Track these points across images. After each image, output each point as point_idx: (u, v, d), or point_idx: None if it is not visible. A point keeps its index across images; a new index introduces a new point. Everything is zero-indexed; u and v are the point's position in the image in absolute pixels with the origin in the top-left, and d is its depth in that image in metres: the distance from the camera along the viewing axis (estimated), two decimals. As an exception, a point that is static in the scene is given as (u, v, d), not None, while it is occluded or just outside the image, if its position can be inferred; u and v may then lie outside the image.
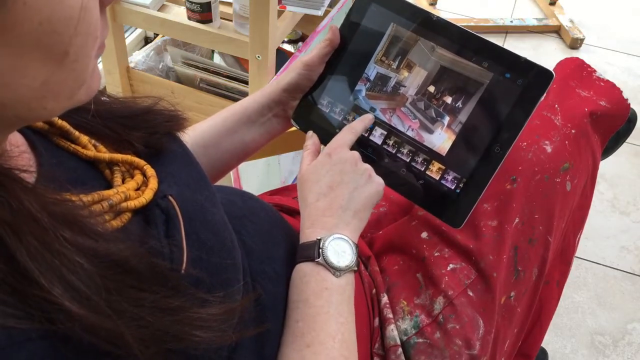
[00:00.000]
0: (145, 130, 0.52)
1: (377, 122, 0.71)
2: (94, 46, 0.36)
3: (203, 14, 1.36)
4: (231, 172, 1.13)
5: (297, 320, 0.55)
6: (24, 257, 0.33)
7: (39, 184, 0.39)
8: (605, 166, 1.54)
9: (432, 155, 0.68)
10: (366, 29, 0.72)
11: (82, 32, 0.34)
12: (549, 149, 0.76)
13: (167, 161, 0.53)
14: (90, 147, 0.49)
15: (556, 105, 0.82)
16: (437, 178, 0.68)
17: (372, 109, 0.71)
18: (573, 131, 0.80)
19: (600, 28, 2.49)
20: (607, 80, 0.90)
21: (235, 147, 0.75)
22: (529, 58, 0.64)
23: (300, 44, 1.83)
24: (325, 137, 0.71)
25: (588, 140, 0.83)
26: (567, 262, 0.88)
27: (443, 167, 0.68)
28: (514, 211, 0.73)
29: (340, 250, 0.58)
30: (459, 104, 0.67)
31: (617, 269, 1.52)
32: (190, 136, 0.67)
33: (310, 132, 0.72)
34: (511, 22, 2.40)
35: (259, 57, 1.35)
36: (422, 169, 0.69)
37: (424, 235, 0.76)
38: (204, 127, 0.74)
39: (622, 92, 0.89)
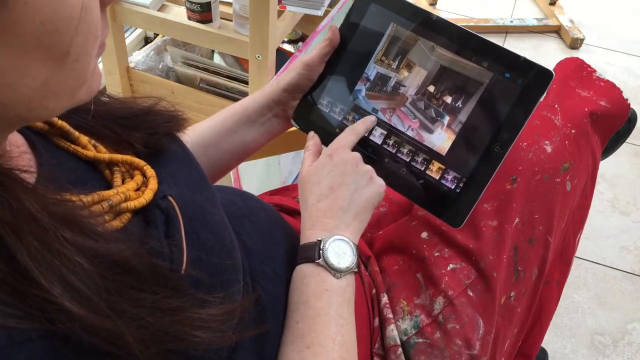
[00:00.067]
0: (145, 130, 0.52)
1: (377, 122, 0.71)
2: (94, 46, 0.36)
3: (203, 14, 1.36)
4: (231, 172, 1.13)
5: (297, 321, 0.55)
6: (24, 257, 0.33)
7: (39, 184, 0.39)
8: (605, 166, 1.54)
9: (432, 155, 0.68)
10: (366, 29, 0.72)
11: (83, 31, 0.34)
12: (549, 149, 0.76)
13: (167, 162, 0.53)
14: (90, 148, 0.49)
15: (556, 105, 0.82)
16: (437, 178, 0.68)
17: (375, 110, 0.71)
18: (573, 131, 0.80)
19: (600, 28, 2.49)
20: (607, 80, 0.90)
21: (235, 147, 0.75)
22: (528, 58, 0.64)
23: (300, 44, 1.84)
24: (326, 137, 0.71)
25: (588, 140, 0.83)
26: (567, 262, 0.88)
27: (443, 167, 0.68)
28: (514, 211, 0.73)
29: (341, 252, 0.58)
30: (459, 103, 0.67)
31: (617, 269, 1.52)
32: (190, 136, 0.67)
33: (312, 133, 0.72)
34: (511, 22, 2.40)
35: (259, 57, 1.35)
36: (422, 169, 0.69)
37: (424, 235, 0.76)
38: (203, 127, 0.74)
39: (622, 92, 0.89)
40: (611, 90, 0.89)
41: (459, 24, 0.67)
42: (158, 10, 1.44)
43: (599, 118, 0.84)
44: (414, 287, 0.73)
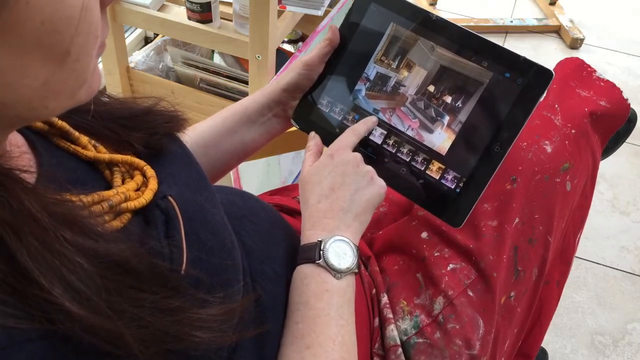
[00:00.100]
0: (145, 131, 0.52)
1: (377, 122, 0.71)
2: (94, 45, 0.36)
3: (203, 14, 1.37)
4: (231, 172, 1.13)
5: (297, 321, 0.55)
6: (24, 257, 0.33)
7: (40, 185, 0.39)
8: (605, 166, 1.54)
9: (432, 154, 0.68)
10: (366, 29, 0.72)
11: (83, 31, 0.34)
12: (549, 149, 0.76)
13: (167, 162, 0.53)
14: (90, 148, 0.49)
15: (556, 105, 0.82)
16: (437, 177, 0.68)
17: (375, 110, 0.71)
18: (573, 131, 0.80)
19: (600, 28, 2.49)
20: (607, 80, 0.90)
21: (235, 147, 0.75)
22: (528, 57, 0.64)
23: (300, 44, 1.84)
24: (326, 137, 0.71)
25: (588, 140, 0.83)
26: (567, 262, 0.88)
27: (443, 167, 0.68)
28: (514, 211, 0.73)
29: (341, 252, 0.58)
30: (459, 103, 0.67)
31: (617, 269, 1.52)
32: (190, 136, 0.67)
33: (313, 133, 0.72)
34: (511, 22, 2.40)
35: (259, 57, 1.35)
36: (422, 169, 0.69)
37: (424, 235, 0.76)
38: (203, 127, 0.74)
39: (622, 92, 0.89)
40: (611, 90, 0.89)
41: (458, 24, 0.67)
42: (158, 10, 1.44)
43: (599, 118, 0.84)
44: (414, 287, 0.73)
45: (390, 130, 0.70)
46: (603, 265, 1.52)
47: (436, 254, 0.73)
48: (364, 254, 0.77)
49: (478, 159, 0.66)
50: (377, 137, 0.71)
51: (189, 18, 1.39)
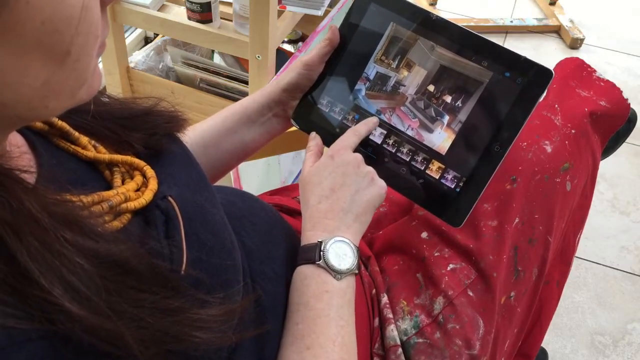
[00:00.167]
0: (145, 131, 0.52)
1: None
2: (95, 45, 0.36)
3: (203, 14, 1.36)
4: (231, 172, 1.13)
5: (297, 322, 0.55)
6: (24, 258, 0.33)
7: (40, 185, 0.39)
8: (605, 166, 1.54)
9: (431, 154, 0.68)
10: (366, 29, 0.72)
11: (84, 31, 0.34)
12: (549, 149, 0.76)
13: (167, 162, 0.53)
14: (90, 148, 0.49)
15: (556, 105, 0.82)
16: (437, 177, 0.68)
17: (378, 112, 0.71)
18: (573, 131, 0.80)
19: (600, 28, 2.49)
20: (607, 80, 0.90)
21: (235, 147, 0.75)
22: (528, 57, 0.64)
23: (300, 44, 1.84)
24: (326, 136, 0.71)
25: (588, 140, 0.83)
26: (567, 262, 0.88)
27: (443, 166, 0.68)
28: (514, 211, 0.73)
29: (342, 253, 0.58)
30: (459, 103, 0.67)
31: (617, 269, 1.52)
32: (190, 136, 0.67)
33: (314, 134, 0.72)
34: (511, 22, 2.40)
35: (259, 57, 1.35)
36: (422, 168, 0.69)
37: (424, 235, 0.76)
38: (203, 127, 0.74)
39: (622, 92, 0.89)
40: (611, 90, 0.89)
41: (458, 24, 0.67)
42: (158, 10, 1.44)
43: (599, 118, 0.84)
44: (414, 287, 0.73)
45: (390, 130, 0.70)
46: (603, 265, 1.52)
47: (436, 254, 0.73)
48: (364, 254, 0.77)
49: (478, 159, 0.66)
50: (377, 136, 0.71)
51: (189, 18, 1.39)
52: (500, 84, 0.65)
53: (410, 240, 0.76)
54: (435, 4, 2.53)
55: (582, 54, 2.33)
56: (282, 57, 1.55)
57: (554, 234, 0.76)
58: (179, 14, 1.43)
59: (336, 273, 0.57)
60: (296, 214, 0.79)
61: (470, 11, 2.55)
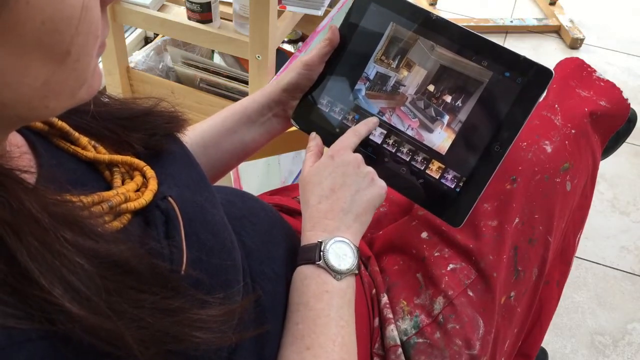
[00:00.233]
0: (144, 131, 0.52)
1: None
2: (95, 45, 0.36)
3: (203, 14, 1.36)
4: (231, 172, 1.13)
5: (297, 322, 0.55)
6: (24, 258, 0.33)
7: (40, 185, 0.39)
8: (605, 166, 1.54)
9: (431, 154, 0.68)
10: (366, 29, 0.72)
11: (84, 31, 0.34)
12: (549, 149, 0.76)
13: (167, 162, 0.53)
14: (90, 149, 0.49)
15: (556, 105, 0.82)
16: (437, 177, 0.68)
17: (380, 113, 0.71)
18: (573, 131, 0.80)
19: (600, 28, 2.49)
20: (607, 80, 0.90)
21: (235, 147, 0.75)
22: (528, 57, 0.64)
23: (300, 44, 1.84)
24: (326, 136, 0.71)
25: (588, 140, 0.83)
26: (567, 262, 0.88)
27: (443, 166, 0.68)
28: (514, 211, 0.73)
29: (342, 254, 0.58)
30: (459, 102, 0.67)
31: (617, 269, 1.52)
32: (189, 136, 0.67)
33: (314, 134, 0.72)
34: (511, 22, 2.40)
35: (259, 57, 1.35)
36: (422, 168, 0.69)
37: (424, 235, 0.76)
38: (203, 127, 0.74)
39: (622, 92, 0.89)
40: (611, 90, 0.89)
41: (458, 24, 0.67)
42: (158, 10, 1.44)
43: (599, 118, 0.84)
44: (414, 287, 0.73)
45: (390, 130, 0.70)
46: (603, 265, 1.52)
47: (436, 254, 0.73)
48: (364, 254, 0.77)
49: (478, 159, 0.66)
50: (377, 136, 0.71)
51: (189, 18, 1.39)
52: (500, 84, 0.65)
53: (410, 240, 0.76)
54: (435, 4, 2.53)
55: (582, 54, 2.34)
56: (282, 57, 1.55)
57: (554, 234, 0.76)
58: (179, 14, 1.43)
59: (336, 273, 0.57)
60: (296, 214, 0.79)
61: (470, 11, 2.55)
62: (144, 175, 0.49)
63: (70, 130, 0.48)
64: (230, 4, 1.41)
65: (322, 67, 0.73)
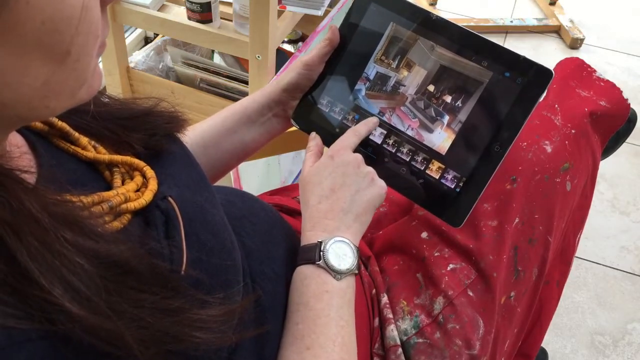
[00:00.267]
0: (144, 131, 0.52)
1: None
2: (95, 45, 0.36)
3: (203, 14, 1.36)
4: (231, 172, 1.13)
5: (297, 322, 0.55)
6: (24, 258, 0.33)
7: (40, 185, 0.39)
8: (605, 166, 1.54)
9: (431, 154, 0.68)
10: (366, 29, 0.72)
11: (84, 31, 0.34)
12: (549, 149, 0.76)
13: (167, 162, 0.53)
14: (90, 149, 0.49)
15: (556, 105, 0.82)
16: (437, 177, 0.68)
17: (380, 113, 0.71)
18: (573, 131, 0.80)
19: (600, 28, 2.49)
20: (607, 80, 0.90)
21: (235, 147, 0.75)
22: (528, 57, 0.64)
23: (300, 44, 1.84)
24: (326, 136, 0.71)
25: (588, 140, 0.83)
26: (567, 262, 0.88)
27: (443, 166, 0.68)
28: (514, 211, 0.73)
29: (342, 254, 0.58)
30: (459, 102, 0.67)
31: (617, 269, 1.52)
32: (189, 136, 0.67)
33: (314, 134, 0.72)
34: (511, 22, 2.40)
35: (259, 57, 1.35)
36: (422, 168, 0.69)
37: (424, 235, 0.76)
38: (203, 127, 0.74)
39: (622, 92, 0.89)
40: (611, 90, 0.89)
41: (458, 24, 0.67)
42: (158, 10, 1.44)
43: (599, 118, 0.84)
44: (414, 287, 0.73)
45: (390, 130, 0.70)
46: (603, 265, 1.52)
47: (436, 254, 0.73)
48: (364, 254, 0.77)
49: (478, 159, 0.66)
50: (377, 136, 0.71)
51: (189, 18, 1.39)
52: (500, 84, 0.65)
53: (410, 240, 0.76)
54: (435, 4, 2.53)
55: (582, 54, 2.34)
56: (282, 57, 1.55)
57: (554, 234, 0.76)
58: (179, 14, 1.43)
59: (336, 273, 0.57)
60: (296, 214, 0.79)
61: (470, 11, 2.55)
62: (144, 176, 0.49)
63: (70, 130, 0.48)
64: (230, 4, 1.41)
65: (322, 67, 0.73)
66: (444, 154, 0.68)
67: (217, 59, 1.68)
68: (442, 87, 0.68)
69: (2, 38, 0.31)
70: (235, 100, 1.50)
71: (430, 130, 0.69)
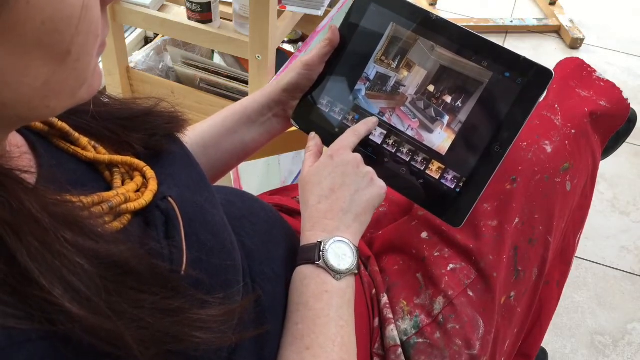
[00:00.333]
0: (144, 132, 0.52)
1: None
2: (95, 45, 0.36)
3: (203, 14, 1.36)
4: (231, 172, 1.13)
5: (297, 322, 0.55)
6: (24, 258, 0.33)
7: (40, 185, 0.39)
8: (605, 166, 1.54)
9: (431, 154, 0.68)
10: (366, 29, 0.72)
11: (84, 31, 0.34)
12: (549, 149, 0.76)
13: (167, 163, 0.53)
14: (90, 149, 0.49)
15: (556, 105, 0.82)
16: (437, 177, 0.68)
17: (380, 113, 0.71)
18: (573, 131, 0.80)
19: (600, 28, 2.49)
20: (607, 80, 0.90)
21: (235, 147, 0.75)
22: (528, 57, 0.64)
23: (300, 44, 1.84)
24: (326, 137, 0.71)
25: (588, 140, 0.83)
26: (567, 262, 0.88)
27: (443, 167, 0.68)
28: (514, 211, 0.73)
29: (341, 253, 0.58)
30: (459, 103, 0.67)
31: (617, 269, 1.52)
32: (189, 136, 0.67)
33: (313, 134, 0.72)
34: (511, 22, 2.40)
35: (259, 57, 1.35)
36: (422, 168, 0.69)
37: (424, 235, 0.76)
38: (203, 127, 0.74)
39: (622, 92, 0.89)
40: (611, 90, 0.89)
41: (458, 24, 0.67)
42: (158, 10, 1.44)
43: (599, 118, 0.84)
44: (414, 287, 0.73)
45: (390, 130, 0.70)
46: (603, 265, 1.52)
47: (436, 254, 0.73)
48: (363, 254, 0.77)
49: (478, 159, 0.66)
50: (377, 137, 0.71)
51: (189, 18, 1.39)
52: (500, 84, 0.65)
53: (410, 240, 0.76)
54: (435, 4, 2.53)
55: (582, 54, 2.34)
56: (282, 57, 1.55)
57: (554, 234, 0.76)
58: (179, 14, 1.43)
59: (336, 273, 0.57)
60: (296, 214, 0.79)
61: (470, 11, 2.55)
62: (144, 176, 0.49)
63: (70, 130, 0.48)
64: (230, 4, 1.41)
65: (322, 67, 0.73)
66: (444, 154, 0.68)
67: (217, 59, 1.68)
68: (442, 87, 0.68)
69: (2, 38, 0.31)
70: (235, 100, 1.50)
71: (430, 131, 0.69)
